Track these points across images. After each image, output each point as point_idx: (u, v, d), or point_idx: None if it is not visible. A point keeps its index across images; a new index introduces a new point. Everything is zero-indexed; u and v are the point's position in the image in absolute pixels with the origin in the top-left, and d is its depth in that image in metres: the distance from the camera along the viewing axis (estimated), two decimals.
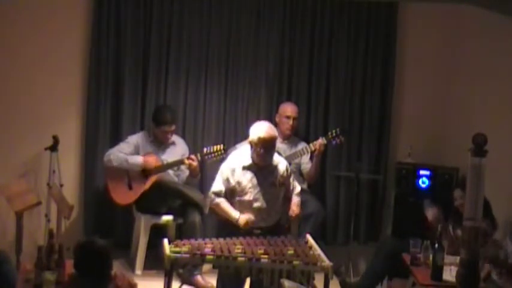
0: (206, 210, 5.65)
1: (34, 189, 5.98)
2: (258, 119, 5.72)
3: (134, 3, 6.20)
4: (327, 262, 4.40)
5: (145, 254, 6.00)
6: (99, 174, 6.20)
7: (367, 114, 6.45)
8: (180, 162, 5.97)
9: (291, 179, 5.17)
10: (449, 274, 4.56)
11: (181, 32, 6.27)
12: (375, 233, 6.51)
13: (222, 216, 5.02)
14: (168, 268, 4.43)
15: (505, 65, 5.63)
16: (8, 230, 5.93)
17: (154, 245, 5.83)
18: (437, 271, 4.59)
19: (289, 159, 5.68)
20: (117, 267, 4.75)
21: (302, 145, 6.18)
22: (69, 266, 3.90)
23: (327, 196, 6.45)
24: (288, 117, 6.14)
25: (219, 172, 5.03)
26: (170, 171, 6.07)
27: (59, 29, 6.18)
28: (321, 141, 6.00)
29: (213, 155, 5.82)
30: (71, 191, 6.14)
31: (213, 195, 5.00)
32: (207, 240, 4.68)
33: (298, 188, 5.21)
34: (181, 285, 5.52)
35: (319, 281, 4.54)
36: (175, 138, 6.14)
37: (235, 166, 4.94)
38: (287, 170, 5.09)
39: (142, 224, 5.98)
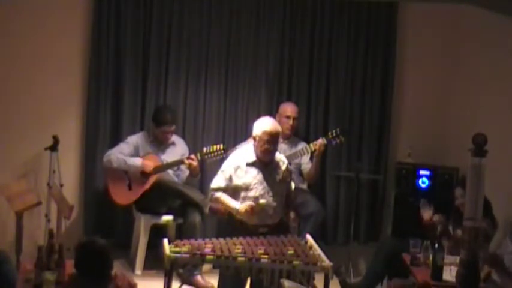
0: (206, 210, 5.65)
1: (34, 189, 5.97)
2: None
3: (134, 3, 6.20)
4: (327, 262, 4.40)
5: (145, 254, 6.00)
6: (99, 174, 6.20)
7: (367, 114, 6.45)
8: (180, 162, 5.97)
9: (291, 178, 5.19)
10: (449, 274, 4.57)
11: (181, 32, 6.27)
12: (375, 233, 6.51)
13: (222, 215, 5.02)
14: (168, 268, 4.42)
15: (505, 65, 5.63)
16: (8, 230, 5.93)
17: (154, 245, 5.82)
18: (437, 271, 4.59)
19: (289, 159, 5.68)
20: (117, 267, 4.73)
21: (302, 145, 6.18)
22: (69, 266, 3.90)
23: (327, 196, 6.45)
24: (287, 117, 6.14)
25: (221, 169, 5.02)
26: (170, 171, 6.07)
27: (59, 29, 6.18)
28: (321, 141, 6.00)
29: (212, 154, 5.83)
30: (71, 191, 6.14)
31: (212, 191, 5.00)
32: (207, 240, 4.68)
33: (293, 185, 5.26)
34: (181, 285, 5.52)
35: (319, 281, 4.54)
36: (175, 138, 6.14)
37: (239, 163, 4.94)
38: (287, 167, 5.09)
39: (142, 224, 5.98)
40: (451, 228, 5.19)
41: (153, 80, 6.28)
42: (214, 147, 5.85)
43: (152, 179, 5.94)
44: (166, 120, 5.98)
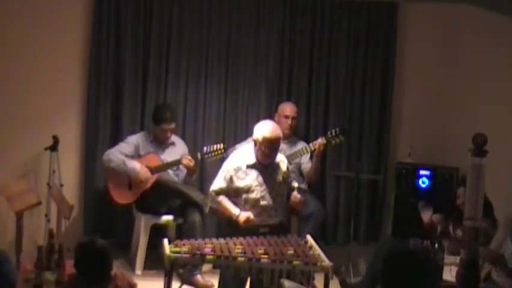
0: (206, 210, 5.65)
1: (34, 189, 5.97)
2: (258, 119, 5.73)
3: (134, 3, 6.20)
4: (327, 262, 4.40)
5: (145, 254, 6.00)
6: (99, 174, 6.20)
7: (367, 114, 6.45)
8: (177, 162, 5.97)
9: (291, 178, 5.18)
10: (449, 274, 4.57)
11: (181, 32, 6.27)
12: (375, 233, 6.51)
13: (222, 215, 5.02)
14: (168, 268, 4.42)
15: (505, 65, 5.63)
16: (8, 230, 5.93)
17: (154, 245, 5.82)
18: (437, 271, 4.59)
19: (289, 159, 5.67)
20: (117, 267, 4.74)
21: (301, 144, 6.18)
22: (69, 266, 3.91)
23: (327, 196, 6.45)
24: (286, 116, 6.14)
25: (221, 170, 5.01)
26: (170, 171, 6.07)
27: (59, 28, 6.18)
28: (321, 141, 6.00)
29: (212, 154, 5.83)
30: (71, 191, 6.14)
31: (213, 194, 4.99)
32: (207, 240, 4.67)
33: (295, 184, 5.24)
34: (181, 285, 5.52)
35: (319, 281, 4.54)
36: (175, 138, 6.14)
37: (240, 165, 4.93)
38: (287, 167, 5.09)
39: (142, 224, 5.98)
40: (451, 227, 5.19)
41: (153, 80, 6.28)
42: (215, 146, 5.86)
43: (152, 179, 5.93)
44: (166, 117, 5.98)
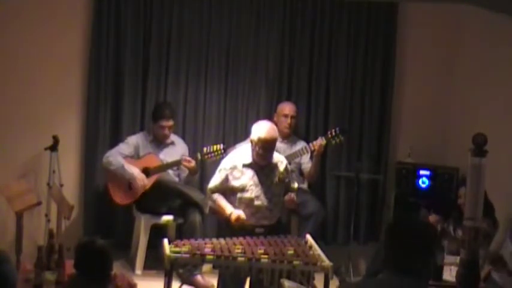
0: (206, 211, 5.65)
1: (34, 189, 5.97)
2: (258, 119, 5.71)
3: (134, 3, 6.20)
4: (327, 262, 4.40)
5: (145, 254, 6.00)
6: (99, 174, 6.20)
7: (367, 114, 6.45)
8: (177, 163, 5.96)
9: (290, 178, 5.18)
10: (449, 274, 4.57)
11: (181, 32, 6.27)
12: (375, 233, 6.50)
13: (221, 215, 5.02)
14: (168, 268, 4.42)
15: (505, 65, 5.63)
16: (8, 230, 5.93)
17: (154, 245, 5.82)
18: (437, 271, 4.58)
19: (289, 158, 5.68)
20: (117, 267, 4.74)
21: (301, 144, 6.18)
22: (69, 266, 3.90)
23: (327, 196, 6.45)
24: (285, 115, 6.14)
25: (218, 169, 5.01)
26: (170, 171, 6.08)
27: (58, 29, 6.18)
28: (321, 141, 6.00)
29: (212, 154, 5.83)
30: (71, 191, 6.14)
31: (209, 192, 5.01)
32: (207, 240, 4.68)
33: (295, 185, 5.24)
34: (181, 285, 5.52)
35: (319, 281, 4.54)
36: (174, 138, 6.14)
37: (236, 164, 4.93)
38: (286, 167, 5.08)
39: (142, 224, 5.98)
40: (451, 227, 5.19)
41: (153, 79, 6.28)
42: (214, 147, 5.86)
43: (152, 179, 5.93)
44: (164, 114, 5.98)
